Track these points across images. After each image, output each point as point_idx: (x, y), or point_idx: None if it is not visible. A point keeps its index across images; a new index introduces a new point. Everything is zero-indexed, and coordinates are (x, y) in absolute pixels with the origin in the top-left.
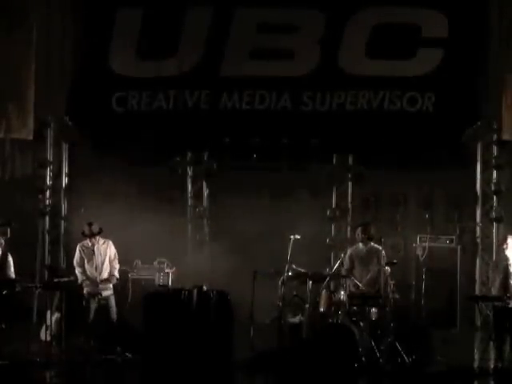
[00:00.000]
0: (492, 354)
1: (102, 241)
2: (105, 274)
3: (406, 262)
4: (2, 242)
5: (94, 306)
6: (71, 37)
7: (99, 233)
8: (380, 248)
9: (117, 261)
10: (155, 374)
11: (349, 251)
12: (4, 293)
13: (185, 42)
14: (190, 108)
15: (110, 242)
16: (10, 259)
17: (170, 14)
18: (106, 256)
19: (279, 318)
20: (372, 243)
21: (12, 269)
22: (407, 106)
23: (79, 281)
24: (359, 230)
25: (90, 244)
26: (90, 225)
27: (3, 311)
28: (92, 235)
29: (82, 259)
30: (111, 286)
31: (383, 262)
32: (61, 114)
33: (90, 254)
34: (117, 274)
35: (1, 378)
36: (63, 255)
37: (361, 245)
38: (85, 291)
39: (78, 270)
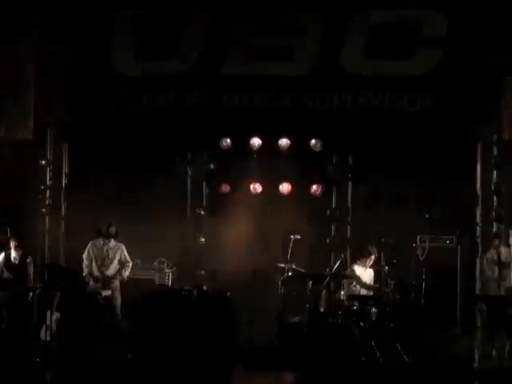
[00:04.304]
0: (492, 354)
1: (113, 243)
2: (110, 274)
3: (406, 262)
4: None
5: (94, 305)
6: (71, 37)
7: (115, 236)
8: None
9: (130, 265)
10: (155, 374)
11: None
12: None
13: (185, 42)
14: (189, 108)
15: (123, 247)
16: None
17: (169, 14)
18: (114, 259)
19: (279, 318)
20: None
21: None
22: (407, 105)
23: (84, 273)
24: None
25: (101, 244)
26: (108, 226)
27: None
28: (108, 236)
29: (89, 257)
30: (114, 286)
31: (383, 261)
32: (61, 114)
33: (99, 253)
34: (125, 274)
35: (1, 378)
36: (63, 255)
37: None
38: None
39: (84, 264)
